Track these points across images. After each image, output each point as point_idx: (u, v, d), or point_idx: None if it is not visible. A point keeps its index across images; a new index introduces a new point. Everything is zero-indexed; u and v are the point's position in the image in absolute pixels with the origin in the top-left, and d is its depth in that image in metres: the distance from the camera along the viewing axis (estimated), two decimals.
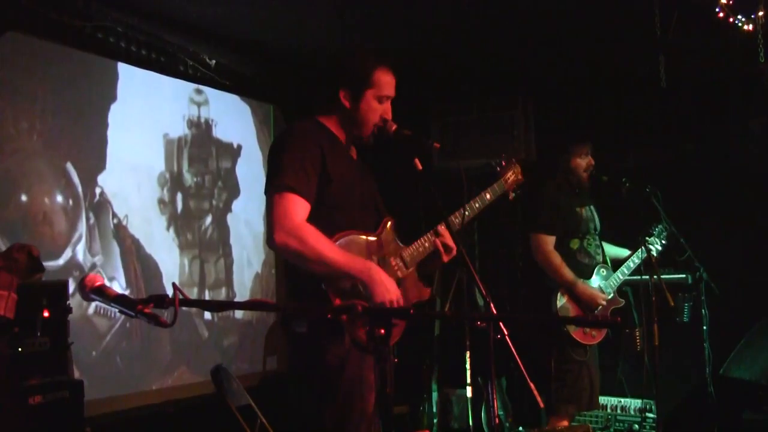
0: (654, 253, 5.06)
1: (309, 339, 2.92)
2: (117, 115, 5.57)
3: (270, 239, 2.88)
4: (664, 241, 5.28)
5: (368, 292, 2.88)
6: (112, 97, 5.57)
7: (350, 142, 3.23)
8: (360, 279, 2.88)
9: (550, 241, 4.81)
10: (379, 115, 3.12)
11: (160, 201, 5.91)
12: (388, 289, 2.90)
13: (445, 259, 3.19)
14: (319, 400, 2.94)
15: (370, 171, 3.31)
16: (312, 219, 2.91)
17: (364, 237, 3.05)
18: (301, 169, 2.92)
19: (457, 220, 3.22)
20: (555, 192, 4.94)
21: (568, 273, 4.76)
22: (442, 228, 3.16)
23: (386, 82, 3.12)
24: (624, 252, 5.22)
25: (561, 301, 4.78)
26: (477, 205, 3.42)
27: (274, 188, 2.91)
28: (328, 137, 3.10)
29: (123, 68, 5.65)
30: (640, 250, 5.06)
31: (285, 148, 3.00)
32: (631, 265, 5.07)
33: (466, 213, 3.26)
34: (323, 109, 3.19)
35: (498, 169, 3.63)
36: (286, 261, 3.07)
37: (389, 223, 3.18)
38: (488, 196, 3.48)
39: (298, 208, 2.88)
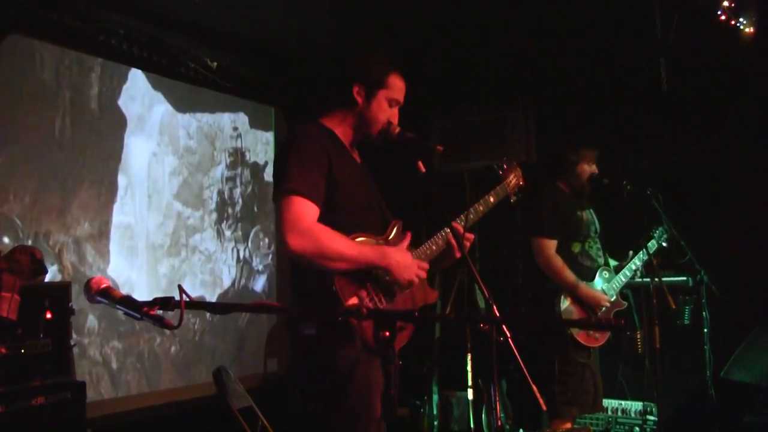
0: (652, 253, 5.06)
1: (318, 341, 2.91)
2: (119, 118, 5.59)
3: (284, 244, 2.86)
4: (664, 243, 5.29)
5: (391, 277, 2.93)
6: (114, 101, 5.58)
7: (354, 145, 3.23)
8: (379, 266, 2.92)
9: (551, 245, 4.81)
10: (387, 117, 3.14)
11: (168, 205, 5.92)
12: (407, 268, 2.96)
13: (458, 254, 3.19)
14: (327, 403, 2.92)
15: (373, 174, 3.32)
16: (320, 222, 2.91)
17: (373, 240, 3.05)
18: (308, 172, 2.92)
19: (461, 223, 3.21)
20: (556, 195, 4.94)
21: (569, 276, 4.76)
22: (449, 236, 3.17)
23: (399, 87, 3.16)
24: (615, 263, 5.24)
25: (564, 303, 4.78)
26: (481, 208, 3.42)
27: (282, 193, 2.90)
28: (332, 140, 3.10)
29: (122, 71, 5.67)
30: (641, 252, 5.06)
31: (291, 152, 2.99)
32: (633, 267, 5.08)
33: (471, 216, 3.27)
34: (327, 111, 3.19)
35: (500, 172, 3.63)
36: (290, 263, 3.06)
37: (397, 226, 3.18)
38: (492, 199, 3.48)
39: (308, 210, 2.88)
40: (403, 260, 2.97)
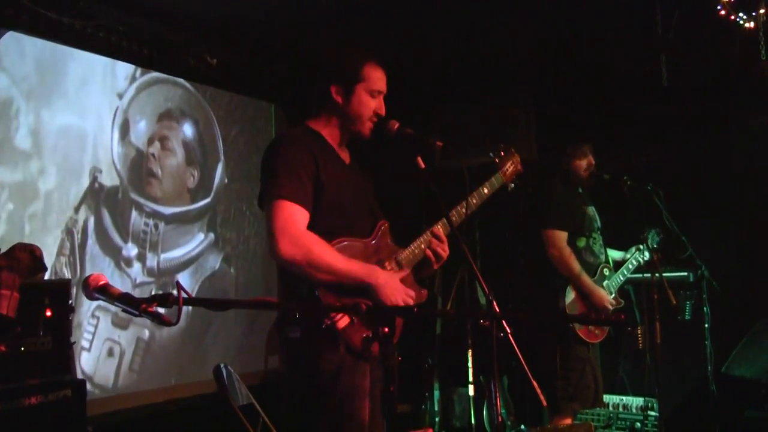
0: (646, 258, 5.06)
1: (302, 345, 2.88)
2: (121, 117, 5.59)
3: (274, 251, 2.82)
4: (656, 246, 5.28)
5: (376, 296, 2.86)
6: (116, 98, 5.58)
7: (343, 145, 3.18)
8: (366, 283, 2.86)
9: (563, 236, 4.82)
10: (372, 110, 3.09)
11: (164, 201, 5.92)
12: (394, 291, 2.89)
13: (435, 266, 3.16)
14: (312, 407, 2.90)
15: (364, 174, 3.27)
16: (307, 226, 2.89)
17: (360, 242, 3.01)
18: (296, 176, 2.88)
19: (454, 218, 3.17)
20: (563, 189, 4.95)
21: (577, 267, 4.77)
22: (436, 230, 3.13)
23: (377, 77, 3.10)
24: (617, 254, 5.24)
25: (569, 296, 4.78)
26: (474, 201, 3.35)
27: (271, 198, 2.87)
28: (318, 143, 3.06)
29: (122, 69, 5.65)
30: (639, 251, 5.07)
31: (277, 156, 2.95)
32: (630, 266, 5.08)
33: (463, 210, 3.24)
34: (313, 112, 3.15)
35: (497, 160, 3.58)
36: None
37: (384, 227, 3.14)
38: (486, 190, 3.42)
39: (299, 216, 2.85)
40: (393, 283, 2.91)
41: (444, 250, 3.14)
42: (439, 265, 3.17)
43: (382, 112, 3.13)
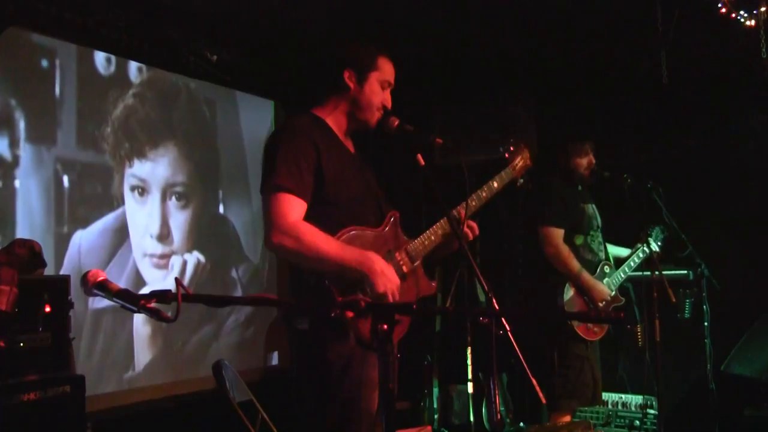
0: (647, 253, 5.06)
1: (311, 337, 2.89)
2: (121, 114, 5.59)
3: (267, 240, 2.86)
4: (660, 243, 5.28)
5: (369, 282, 2.83)
6: (117, 96, 5.58)
7: (348, 134, 3.18)
8: (359, 270, 2.83)
9: (559, 233, 4.80)
10: (381, 100, 3.11)
11: (164, 198, 5.92)
12: (389, 279, 2.86)
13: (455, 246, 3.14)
14: (320, 398, 2.90)
15: (370, 164, 3.27)
16: (312, 217, 2.88)
17: (368, 232, 3.00)
18: (296, 167, 2.88)
19: (463, 211, 3.16)
20: (561, 187, 4.94)
21: (575, 264, 4.76)
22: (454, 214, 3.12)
23: (389, 69, 3.14)
24: (624, 251, 5.23)
25: (568, 294, 4.77)
26: (484, 194, 3.35)
27: (268, 189, 2.88)
28: (323, 132, 3.06)
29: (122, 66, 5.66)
30: (641, 248, 5.06)
31: (279, 146, 2.95)
32: (632, 264, 5.08)
33: (473, 202, 3.24)
34: (320, 100, 3.16)
35: (506, 155, 3.58)
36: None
37: (394, 217, 3.13)
38: (495, 184, 3.41)
39: (294, 207, 2.85)
40: (387, 271, 2.87)
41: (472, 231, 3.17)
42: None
43: (389, 105, 3.15)
